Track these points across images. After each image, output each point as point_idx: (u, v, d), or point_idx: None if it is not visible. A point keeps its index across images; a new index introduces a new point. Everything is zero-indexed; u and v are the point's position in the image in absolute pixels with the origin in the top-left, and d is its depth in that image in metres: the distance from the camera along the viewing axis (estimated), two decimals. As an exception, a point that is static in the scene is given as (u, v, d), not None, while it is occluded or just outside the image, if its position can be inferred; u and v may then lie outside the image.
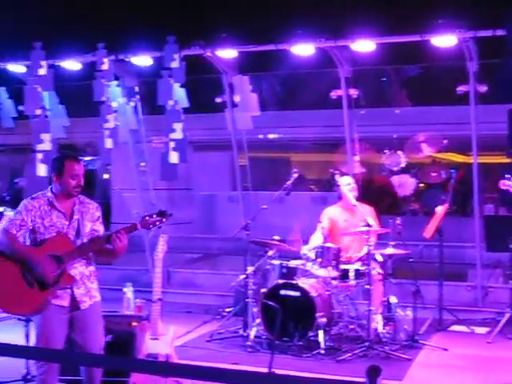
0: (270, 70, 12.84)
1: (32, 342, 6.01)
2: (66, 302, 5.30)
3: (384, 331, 7.85)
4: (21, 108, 11.35)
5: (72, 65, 10.58)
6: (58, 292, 5.26)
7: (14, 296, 5.21)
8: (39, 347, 5.25)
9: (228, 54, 9.94)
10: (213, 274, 11.78)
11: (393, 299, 8.08)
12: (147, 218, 5.40)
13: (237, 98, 10.45)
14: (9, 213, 5.35)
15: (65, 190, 5.35)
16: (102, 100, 10.20)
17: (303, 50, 9.54)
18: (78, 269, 5.34)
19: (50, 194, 5.39)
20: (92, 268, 5.48)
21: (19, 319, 8.58)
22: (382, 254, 8.10)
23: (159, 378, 5.85)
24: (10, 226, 5.24)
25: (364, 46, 9.26)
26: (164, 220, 5.46)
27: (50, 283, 5.19)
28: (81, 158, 5.73)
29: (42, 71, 10.41)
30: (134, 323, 6.40)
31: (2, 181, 14.85)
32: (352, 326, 8.12)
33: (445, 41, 8.91)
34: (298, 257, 8.24)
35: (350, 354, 7.46)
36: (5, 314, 8.87)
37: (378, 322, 7.88)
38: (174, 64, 9.65)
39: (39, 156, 10.43)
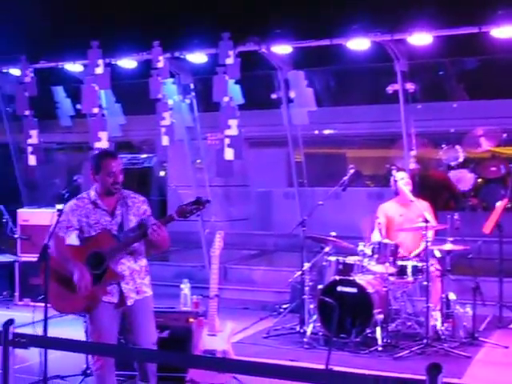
0: (325, 65, 12.75)
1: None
2: (115, 298, 5.35)
3: (443, 328, 7.75)
4: (78, 106, 11.50)
5: (128, 63, 10.68)
6: (108, 288, 5.31)
7: (64, 296, 5.31)
8: (96, 342, 5.31)
9: (283, 49, 9.91)
10: (269, 271, 11.77)
11: (452, 296, 7.98)
12: (184, 206, 5.29)
13: (292, 94, 10.44)
14: None
15: (104, 187, 5.38)
16: (157, 97, 10.28)
17: (359, 44, 9.46)
18: (126, 264, 5.37)
19: (93, 192, 5.45)
20: (143, 263, 5.49)
21: (79, 315, 8.72)
22: (441, 250, 7.99)
23: (216, 374, 5.86)
24: (58, 229, 5.33)
25: (421, 39, 9.14)
26: (201, 208, 5.31)
27: (94, 278, 5.23)
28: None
29: (99, 70, 10.53)
30: (191, 319, 6.44)
31: (60, 178, 15.08)
32: (410, 323, 8.03)
33: (504, 32, 8.74)
34: (354, 253, 8.18)
35: (407, 351, 7.38)
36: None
37: (436, 319, 7.77)
38: (229, 60, 9.67)
39: (97, 154, 10.55)
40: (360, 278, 7.88)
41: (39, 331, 5.08)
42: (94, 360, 5.39)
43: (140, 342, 5.39)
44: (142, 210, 5.50)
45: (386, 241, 7.99)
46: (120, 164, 5.44)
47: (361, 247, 8.03)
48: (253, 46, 9.90)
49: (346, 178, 8.43)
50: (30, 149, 11.30)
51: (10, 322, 3.55)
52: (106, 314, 5.35)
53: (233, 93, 9.79)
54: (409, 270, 7.89)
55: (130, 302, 5.38)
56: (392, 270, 7.88)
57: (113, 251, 5.29)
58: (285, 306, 9.22)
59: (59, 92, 12.39)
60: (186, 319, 6.56)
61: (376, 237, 8.22)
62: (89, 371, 6.37)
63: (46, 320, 5.04)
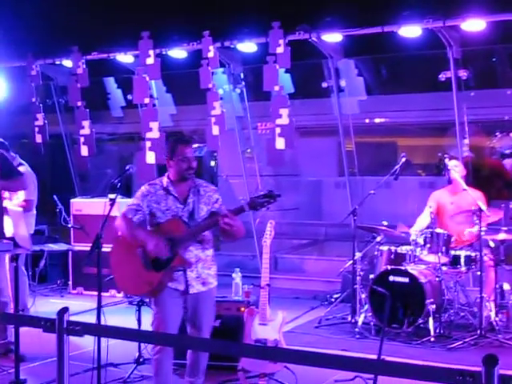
0: (376, 53, 12.61)
1: (143, 325, 6.15)
2: (181, 285, 5.40)
3: (497, 319, 7.64)
4: (129, 97, 11.59)
5: (178, 53, 10.70)
6: (174, 275, 5.36)
7: (133, 278, 5.40)
8: (149, 331, 5.37)
9: (333, 37, 9.83)
10: (320, 260, 11.76)
11: (506, 286, 7.86)
12: (255, 199, 5.31)
13: (343, 83, 10.37)
14: (121, 199, 5.55)
15: (178, 173, 5.45)
16: (208, 87, 10.28)
17: (410, 31, 9.33)
18: (194, 252, 5.42)
19: (166, 179, 5.52)
20: (209, 252, 5.54)
21: (130, 303, 8.82)
22: (494, 240, 7.87)
23: (268, 364, 5.87)
24: (127, 211, 5.46)
25: (474, 25, 8.98)
26: (272, 201, 5.32)
27: (163, 263, 5.29)
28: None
29: (150, 60, 10.58)
30: (243, 309, 6.45)
31: (111, 169, 15.24)
32: (463, 314, 7.93)
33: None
34: (406, 242, 8.11)
35: (461, 342, 7.30)
36: (118, 299, 9.14)
37: (490, 310, 7.67)
38: (280, 49, 9.62)
39: (148, 144, 10.63)
40: (412, 268, 7.81)
41: (94, 319, 5.14)
42: (153, 345, 5.47)
43: (197, 331, 5.47)
44: (214, 198, 5.54)
45: (439, 230, 7.90)
46: (192, 151, 5.50)
47: (413, 236, 7.96)
48: (303, 34, 9.83)
49: (397, 166, 8.35)
50: (82, 139, 11.42)
51: (65, 310, 3.60)
52: (170, 300, 5.41)
53: (283, 82, 9.76)
54: (462, 260, 7.79)
55: (191, 291, 5.42)
56: (445, 259, 7.80)
57: (183, 238, 5.34)
58: (336, 296, 9.21)
59: (110, 83, 12.51)
60: (237, 308, 6.58)
61: (422, 220, 8.17)
62: (141, 359, 6.43)
63: (99, 308, 5.09)
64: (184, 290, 5.40)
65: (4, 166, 6.23)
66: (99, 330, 4.08)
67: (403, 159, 8.38)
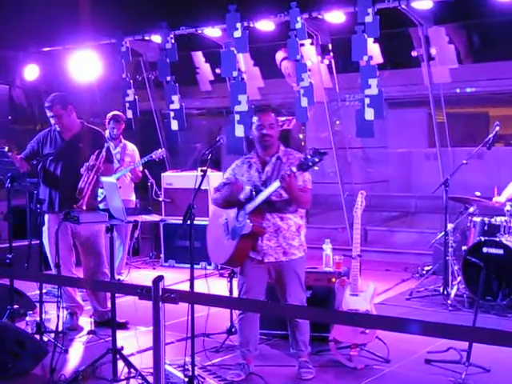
0: (468, 20, 12.24)
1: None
2: (259, 254, 5.51)
3: None
4: (217, 71, 11.61)
5: (266, 25, 10.66)
6: (252, 244, 5.47)
7: (217, 247, 5.64)
8: (241, 298, 5.47)
9: (423, 4, 9.60)
10: (410, 232, 11.63)
11: None
12: (303, 159, 5.23)
13: (433, 51, 10.14)
14: (211, 173, 5.71)
15: (256, 141, 5.59)
16: (296, 59, 10.21)
17: (504, -5, 9.04)
18: (271, 220, 5.49)
19: (253, 153, 5.67)
20: (292, 222, 5.56)
21: (221, 275, 8.90)
22: None
23: (359, 335, 5.84)
24: (218, 185, 5.74)
25: None
26: (318, 160, 5.15)
27: (237, 231, 5.45)
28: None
29: (237, 33, 10.56)
30: (334, 279, 6.43)
31: (200, 143, 15.38)
32: (561, 286, 7.71)
33: None
34: (501, 213, 7.92)
35: (558, 315, 7.11)
36: (209, 271, 9.24)
37: None
38: (368, 18, 9.45)
39: (237, 117, 10.65)
40: (507, 239, 7.62)
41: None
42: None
43: (283, 300, 5.56)
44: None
45: (535, 200, 7.69)
46: (266, 118, 5.53)
47: (508, 207, 7.76)
48: (392, 2, 9.63)
49: (491, 135, 8.14)
50: (172, 114, 11.53)
51: (160, 278, 3.66)
52: (251, 269, 5.57)
53: (372, 52, 9.60)
54: (560, 231, 7.57)
55: (268, 259, 5.51)
56: (541, 230, 7.59)
57: (250, 205, 5.42)
58: (427, 268, 9.09)
59: (199, 57, 12.58)
60: (328, 279, 6.56)
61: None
62: (233, 330, 6.50)
63: (192, 278, 5.16)
64: (261, 259, 5.50)
65: (108, 153, 6.67)
66: (194, 298, 4.14)
67: (497, 128, 8.16)
